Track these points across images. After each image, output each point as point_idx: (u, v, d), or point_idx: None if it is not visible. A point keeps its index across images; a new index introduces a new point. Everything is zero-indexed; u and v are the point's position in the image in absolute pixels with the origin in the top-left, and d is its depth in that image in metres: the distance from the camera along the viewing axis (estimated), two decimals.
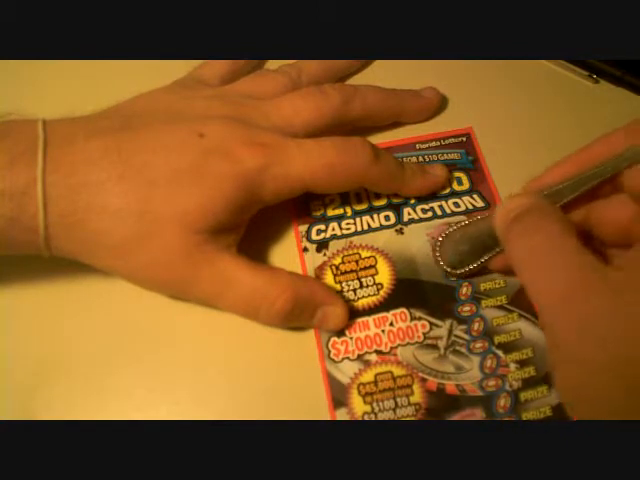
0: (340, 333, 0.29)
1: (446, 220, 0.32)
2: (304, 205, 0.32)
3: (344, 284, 0.30)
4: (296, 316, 0.28)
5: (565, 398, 0.24)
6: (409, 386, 0.28)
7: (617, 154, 0.26)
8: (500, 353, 0.28)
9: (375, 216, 0.32)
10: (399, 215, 0.32)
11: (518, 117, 0.35)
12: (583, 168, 0.27)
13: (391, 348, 0.29)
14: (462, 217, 0.32)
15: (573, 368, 0.22)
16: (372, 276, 0.30)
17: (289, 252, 0.31)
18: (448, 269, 0.30)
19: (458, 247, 0.30)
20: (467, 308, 0.29)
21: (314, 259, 0.31)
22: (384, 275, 0.30)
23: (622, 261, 0.23)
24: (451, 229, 0.30)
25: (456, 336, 0.29)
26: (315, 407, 0.28)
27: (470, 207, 0.32)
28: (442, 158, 0.34)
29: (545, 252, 0.23)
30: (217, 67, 0.34)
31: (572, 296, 0.22)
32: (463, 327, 0.29)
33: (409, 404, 0.27)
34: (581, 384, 0.22)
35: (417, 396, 0.28)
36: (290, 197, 0.29)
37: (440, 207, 0.32)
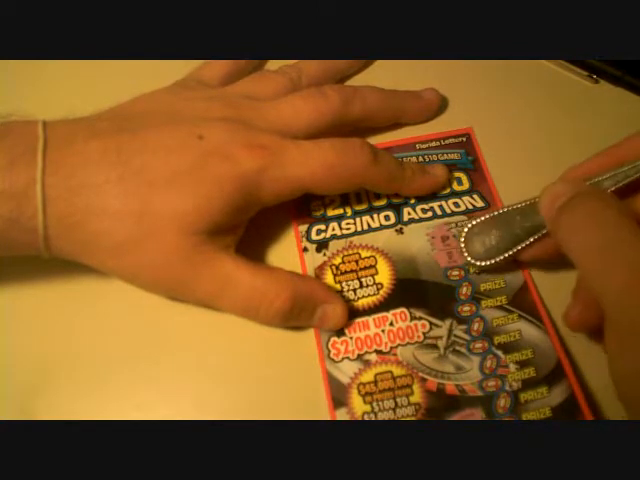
0: (340, 333, 0.29)
1: (446, 220, 0.32)
2: (304, 205, 0.32)
3: (344, 284, 0.30)
4: (295, 315, 0.28)
5: (621, 389, 0.23)
6: (409, 386, 0.28)
7: None
8: (500, 353, 0.28)
9: (375, 216, 0.32)
10: (399, 215, 0.32)
11: (518, 117, 0.35)
12: (622, 161, 0.27)
13: (391, 348, 0.29)
14: (462, 217, 0.32)
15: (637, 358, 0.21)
16: (372, 276, 0.30)
17: (289, 252, 0.31)
18: (472, 261, 0.29)
19: (485, 239, 0.29)
20: (467, 308, 0.29)
21: (314, 259, 0.31)
22: (384, 275, 0.30)
23: None
24: (476, 221, 0.30)
25: (456, 336, 0.29)
26: (315, 407, 0.28)
27: (470, 207, 0.32)
28: (442, 158, 0.34)
29: (611, 237, 0.23)
30: (217, 68, 0.34)
31: (636, 286, 0.21)
32: (463, 327, 0.29)
33: (409, 404, 0.27)
34: None
35: (417, 396, 0.28)
36: (290, 198, 0.29)
37: (440, 207, 0.32)
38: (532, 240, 0.28)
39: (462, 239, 0.30)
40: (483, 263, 0.29)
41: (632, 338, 0.22)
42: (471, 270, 0.30)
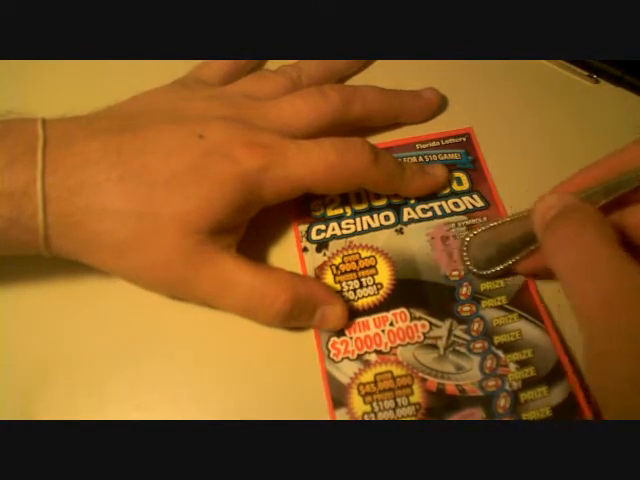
0: (340, 333, 0.29)
1: (446, 220, 0.32)
2: (304, 205, 0.32)
3: (344, 284, 0.30)
4: (296, 316, 0.28)
5: (599, 402, 0.23)
6: (409, 386, 0.28)
7: None
8: (500, 353, 0.28)
9: (375, 216, 0.32)
10: (399, 215, 0.32)
11: (518, 117, 0.35)
12: (614, 173, 0.27)
13: (391, 348, 0.29)
14: (462, 217, 0.32)
15: (610, 380, 0.21)
16: (372, 276, 0.30)
17: (289, 252, 0.31)
18: (474, 270, 0.29)
19: (486, 249, 0.29)
20: (467, 308, 0.29)
21: (314, 259, 0.31)
22: (384, 275, 0.30)
23: None
24: (479, 230, 0.30)
25: (456, 336, 0.29)
26: (315, 407, 0.28)
27: (470, 207, 0.32)
28: (442, 158, 0.34)
29: (587, 260, 0.23)
30: (217, 67, 0.34)
31: (613, 304, 0.21)
32: (463, 327, 0.29)
33: (409, 404, 0.27)
34: (617, 393, 0.21)
35: (417, 396, 0.28)
36: (290, 198, 0.29)
37: (440, 207, 0.32)
38: (526, 252, 0.28)
39: (464, 247, 0.30)
40: (484, 272, 0.29)
41: (600, 366, 0.22)
42: (474, 278, 0.30)
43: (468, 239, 0.30)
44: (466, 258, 0.30)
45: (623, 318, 0.21)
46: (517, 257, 0.29)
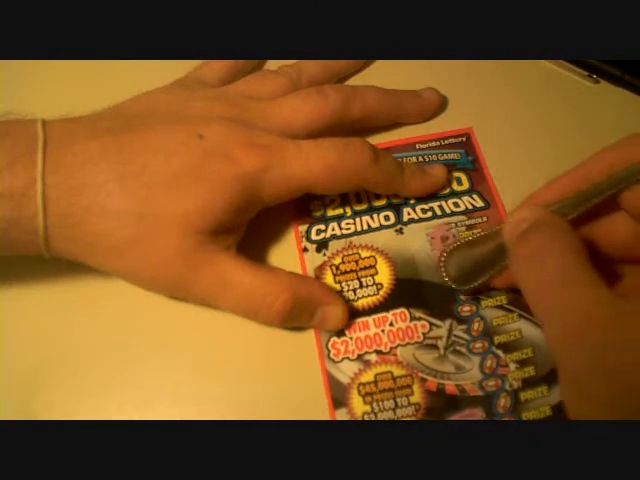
0: (340, 333, 0.29)
1: (446, 220, 0.32)
2: (304, 205, 0.32)
3: (344, 284, 0.30)
4: (295, 316, 0.28)
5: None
6: (409, 386, 0.28)
7: (613, 174, 0.26)
8: (500, 353, 0.28)
9: (375, 216, 0.32)
10: (399, 215, 0.32)
11: (518, 117, 0.35)
12: (582, 186, 0.27)
13: (391, 348, 0.29)
14: (462, 217, 0.32)
15: (582, 402, 0.22)
16: (372, 276, 0.30)
17: (289, 252, 0.31)
18: (453, 285, 0.29)
19: (462, 263, 0.29)
20: (467, 308, 0.29)
21: (314, 259, 0.31)
22: (384, 275, 0.30)
23: (631, 290, 0.22)
24: (455, 244, 0.30)
25: (456, 336, 0.29)
26: (315, 407, 0.28)
27: (470, 207, 0.32)
28: (442, 158, 0.34)
29: (557, 283, 0.23)
30: (217, 67, 0.34)
31: (583, 330, 0.21)
32: (463, 327, 0.29)
33: (409, 404, 0.27)
34: (589, 417, 0.22)
35: (417, 396, 0.28)
36: (290, 198, 0.29)
37: (440, 207, 0.32)
38: (502, 265, 0.28)
39: (441, 263, 0.29)
40: (462, 287, 0.29)
41: (576, 383, 0.22)
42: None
43: (445, 254, 0.30)
44: (444, 274, 0.29)
45: (594, 343, 0.21)
46: (492, 272, 0.28)
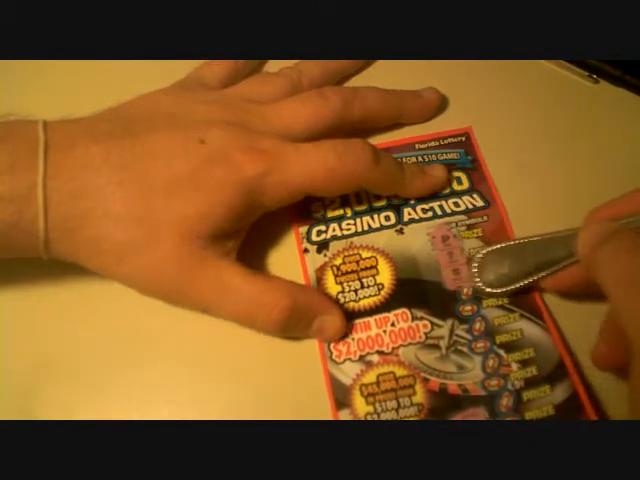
0: None
1: (446, 220, 0.32)
2: (304, 206, 0.32)
3: (345, 285, 0.30)
4: (293, 325, 0.28)
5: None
6: (411, 386, 0.28)
7: None
8: (502, 353, 0.28)
9: (375, 216, 0.32)
10: (399, 215, 0.32)
11: (517, 117, 0.35)
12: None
13: (393, 348, 0.29)
14: (462, 216, 0.32)
15: None
16: (373, 276, 0.30)
17: (289, 253, 0.31)
18: (484, 287, 0.29)
19: (498, 268, 0.29)
20: (468, 308, 0.29)
21: (315, 260, 0.31)
22: (385, 275, 0.30)
23: None
24: (490, 248, 0.29)
25: (458, 336, 0.29)
26: (318, 409, 0.28)
27: (470, 207, 0.32)
28: (441, 158, 0.34)
29: (633, 273, 0.23)
30: (217, 69, 0.34)
31: None
32: (464, 327, 0.29)
33: (411, 404, 0.27)
34: None
35: (419, 396, 0.27)
36: (291, 202, 0.29)
37: (440, 207, 0.32)
38: (554, 269, 0.28)
39: (475, 264, 0.29)
40: (494, 290, 0.29)
41: None
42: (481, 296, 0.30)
43: (480, 256, 0.29)
44: (476, 276, 0.29)
45: None
46: (529, 280, 0.28)
